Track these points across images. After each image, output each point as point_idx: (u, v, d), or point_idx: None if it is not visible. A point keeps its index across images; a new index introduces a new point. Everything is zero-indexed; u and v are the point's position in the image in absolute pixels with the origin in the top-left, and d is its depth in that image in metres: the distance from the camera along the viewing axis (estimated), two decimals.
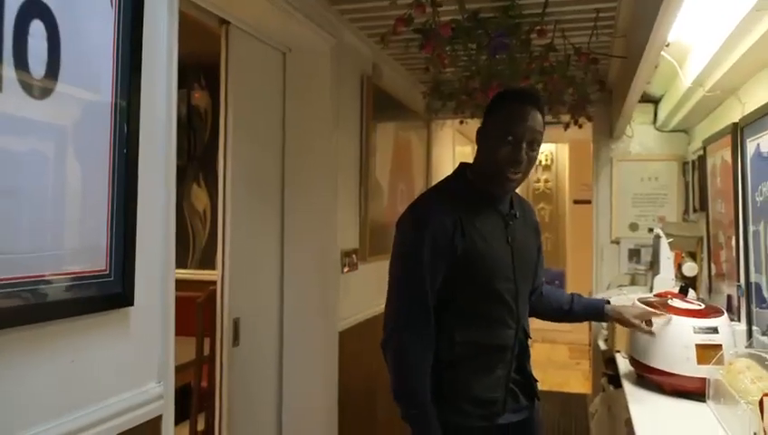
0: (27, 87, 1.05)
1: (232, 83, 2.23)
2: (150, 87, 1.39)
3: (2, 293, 1.01)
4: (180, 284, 3.13)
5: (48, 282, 1.10)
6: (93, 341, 1.23)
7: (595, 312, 1.98)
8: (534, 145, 1.60)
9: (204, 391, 2.61)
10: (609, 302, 2.00)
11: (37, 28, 1.07)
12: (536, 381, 1.78)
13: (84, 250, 1.19)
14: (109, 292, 1.25)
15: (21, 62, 1.04)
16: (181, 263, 3.83)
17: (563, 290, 2.07)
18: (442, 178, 1.80)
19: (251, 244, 2.34)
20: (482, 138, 1.65)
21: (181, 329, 2.84)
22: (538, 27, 2.40)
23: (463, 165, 1.73)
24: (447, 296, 1.60)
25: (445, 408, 1.60)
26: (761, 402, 1.49)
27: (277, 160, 2.56)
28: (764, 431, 1.46)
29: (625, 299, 2.84)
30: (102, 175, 1.23)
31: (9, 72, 1.01)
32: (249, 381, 2.30)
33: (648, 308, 2.02)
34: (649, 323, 1.98)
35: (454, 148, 4.99)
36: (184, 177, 3.89)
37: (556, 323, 2.17)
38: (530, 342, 1.79)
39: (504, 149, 1.56)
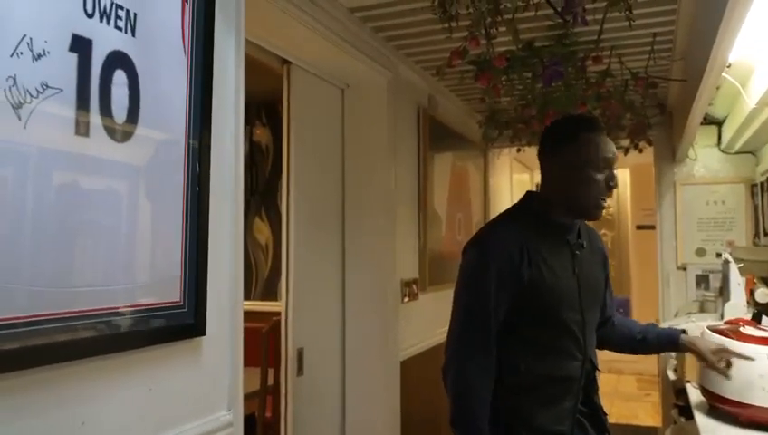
0: (111, 132, 1.14)
1: (293, 119, 2.33)
2: (220, 127, 1.47)
3: (80, 324, 1.08)
4: (244, 315, 3.25)
5: (121, 314, 1.16)
6: (169, 370, 1.30)
7: (668, 341, 1.91)
8: (614, 170, 1.62)
9: (268, 421, 2.66)
10: (685, 332, 1.92)
11: (119, 77, 1.16)
12: (605, 414, 1.74)
13: (158, 283, 1.26)
14: (183, 322, 1.31)
15: (105, 109, 1.12)
16: (245, 295, 3.93)
17: (635, 320, 2.01)
18: (500, 206, 1.81)
19: (313, 275, 2.39)
20: (561, 169, 1.61)
21: (246, 359, 2.94)
22: (593, 54, 2.40)
23: (529, 193, 1.73)
24: (513, 324, 1.58)
25: None
26: None
27: (337, 193, 2.63)
28: None
29: (694, 327, 2.75)
30: (177, 211, 1.31)
31: (95, 118, 1.10)
32: (313, 410, 2.34)
33: (727, 346, 1.91)
34: (728, 362, 1.88)
35: (511, 176, 4.97)
36: (246, 211, 3.99)
37: (623, 354, 2.11)
38: (598, 373, 1.74)
39: (599, 177, 1.56)
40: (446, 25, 1.89)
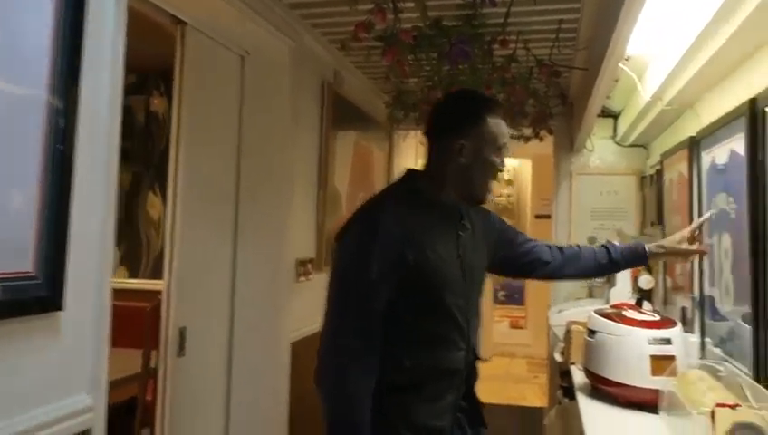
0: None
1: (186, 86, 2.16)
2: (91, 82, 1.32)
3: None
4: (132, 293, 3.04)
5: None
6: (16, 347, 1.15)
7: (635, 256, 1.84)
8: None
9: (149, 405, 2.51)
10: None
11: None
12: (482, 405, 1.65)
13: (3, 251, 1.11)
14: (35, 295, 1.17)
15: None
16: (133, 272, 3.74)
17: (586, 246, 1.89)
18: None
19: (201, 251, 2.25)
20: (459, 149, 1.49)
21: (132, 341, 2.75)
22: (500, 37, 2.40)
23: (411, 172, 1.59)
24: (395, 314, 1.45)
25: None
26: (712, 413, 1.47)
27: (232, 166, 2.48)
28: None
29: (582, 311, 2.85)
30: (30, 173, 1.15)
31: None
32: (195, 392, 2.21)
33: (683, 231, 1.86)
34: (695, 239, 1.83)
35: (416, 159, 4.97)
36: (140, 185, 3.81)
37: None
38: (478, 363, 1.65)
39: (497, 161, 1.51)
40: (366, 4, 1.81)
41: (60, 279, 1.22)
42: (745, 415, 1.46)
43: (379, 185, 3.84)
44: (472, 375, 1.61)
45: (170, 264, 2.07)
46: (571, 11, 2.36)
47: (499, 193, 7.63)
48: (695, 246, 1.81)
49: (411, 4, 2.18)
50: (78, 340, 1.31)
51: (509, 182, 7.71)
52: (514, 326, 7.40)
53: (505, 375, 6.28)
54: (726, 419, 1.46)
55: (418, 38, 2.33)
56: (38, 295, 1.18)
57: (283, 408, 2.43)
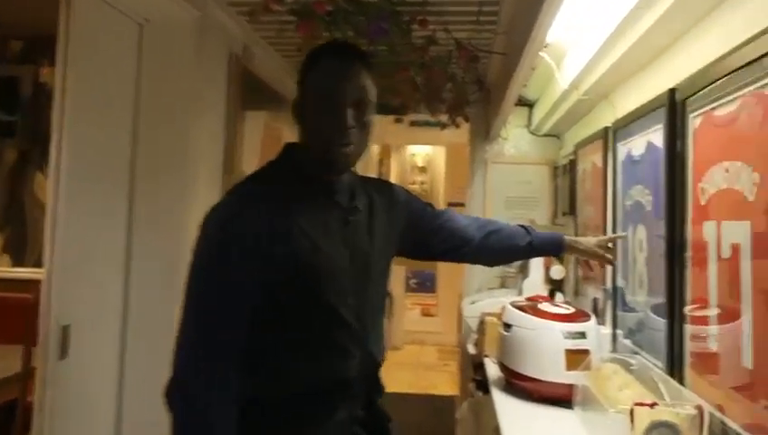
0: None
1: (73, 54, 1.90)
2: None
3: None
4: (17, 283, 2.70)
5: None
6: None
7: (553, 245, 1.78)
8: (364, 108, 1.24)
9: (30, 407, 2.26)
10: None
11: None
12: (390, 420, 1.42)
13: None
14: None
15: None
16: (19, 260, 3.42)
17: (507, 225, 1.77)
18: None
19: (89, 239, 2.03)
20: (299, 109, 1.28)
21: (13, 336, 2.47)
22: (420, 17, 2.29)
23: (289, 145, 1.35)
24: (266, 318, 1.23)
25: None
26: (631, 412, 1.44)
27: (127, 146, 2.26)
28: None
29: (496, 302, 2.82)
30: None
31: None
32: (82, 396, 2.00)
33: (602, 237, 1.89)
34: (609, 250, 1.83)
35: None
36: (27, 164, 3.48)
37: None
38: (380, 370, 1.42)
39: (326, 116, 1.22)
40: None
41: None
42: (663, 414, 1.43)
43: None
44: (373, 386, 1.39)
45: (51, 251, 1.84)
46: None
47: (413, 181, 7.61)
48: (608, 255, 1.81)
49: None
50: None
51: (423, 170, 7.70)
52: (426, 314, 7.44)
53: (416, 363, 6.29)
54: (644, 418, 1.43)
55: (334, 13, 2.19)
56: None
57: None
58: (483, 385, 2.50)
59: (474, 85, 3.28)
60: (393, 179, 6.67)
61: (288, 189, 1.26)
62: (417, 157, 7.61)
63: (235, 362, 1.18)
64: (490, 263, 1.87)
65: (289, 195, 1.25)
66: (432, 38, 2.45)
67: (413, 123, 4.44)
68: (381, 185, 1.52)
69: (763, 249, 1.20)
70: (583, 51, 2.28)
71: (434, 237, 1.60)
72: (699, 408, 1.42)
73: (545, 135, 3.82)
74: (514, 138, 3.91)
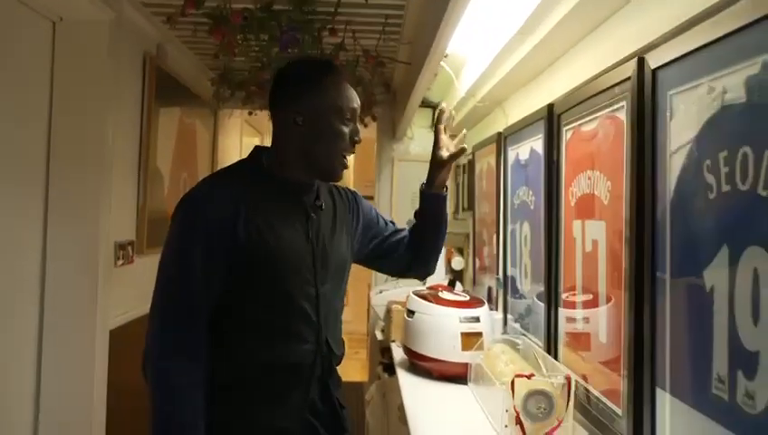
0: None
1: None
2: None
3: None
4: None
5: None
6: None
7: (424, 202, 1.71)
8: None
9: None
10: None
11: None
12: (344, 408, 1.51)
13: None
14: None
15: None
16: None
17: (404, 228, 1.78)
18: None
19: (4, 235, 2.06)
20: (301, 119, 1.37)
21: None
22: (330, 26, 2.45)
23: (258, 148, 1.48)
24: (229, 303, 1.34)
25: None
26: (512, 383, 1.68)
27: (41, 142, 2.29)
28: (514, 408, 1.65)
29: (401, 292, 3.04)
30: None
31: None
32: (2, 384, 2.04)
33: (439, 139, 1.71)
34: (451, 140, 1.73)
35: (242, 138, 4.89)
36: None
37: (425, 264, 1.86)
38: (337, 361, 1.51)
39: (343, 129, 1.38)
40: None
41: None
42: (538, 383, 1.68)
43: (203, 164, 3.73)
44: (329, 375, 1.47)
45: None
46: (396, 7, 2.48)
47: None
48: (456, 149, 1.68)
49: None
50: None
51: None
52: None
53: None
54: (523, 387, 1.67)
55: (249, 19, 2.31)
56: None
57: (102, 397, 2.31)
58: (389, 368, 2.71)
59: (381, 87, 3.47)
60: None
61: (256, 185, 1.38)
62: None
63: (203, 336, 1.30)
64: (421, 251, 1.74)
65: (257, 189, 1.37)
66: (341, 45, 2.61)
67: None
68: (346, 191, 1.62)
69: (614, 245, 1.45)
70: (478, 63, 2.51)
71: (385, 250, 1.69)
72: (567, 378, 1.67)
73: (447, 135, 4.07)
74: (419, 137, 4.15)
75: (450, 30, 1.93)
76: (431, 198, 1.70)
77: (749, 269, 0.93)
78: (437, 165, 1.69)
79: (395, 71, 3.39)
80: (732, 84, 0.97)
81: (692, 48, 1.08)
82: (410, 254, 1.71)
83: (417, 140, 4.16)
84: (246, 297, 1.35)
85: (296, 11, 2.31)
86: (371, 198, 4.61)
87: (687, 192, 1.11)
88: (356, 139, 1.42)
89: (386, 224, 1.72)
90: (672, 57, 1.15)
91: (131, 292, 2.59)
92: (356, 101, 1.42)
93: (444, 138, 1.70)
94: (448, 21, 1.83)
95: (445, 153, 1.67)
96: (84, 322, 2.28)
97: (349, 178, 7.77)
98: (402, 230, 1.74)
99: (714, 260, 1.02)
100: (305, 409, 1.41)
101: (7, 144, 2.09)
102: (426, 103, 3.94)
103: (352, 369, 5.84)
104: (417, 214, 1.73)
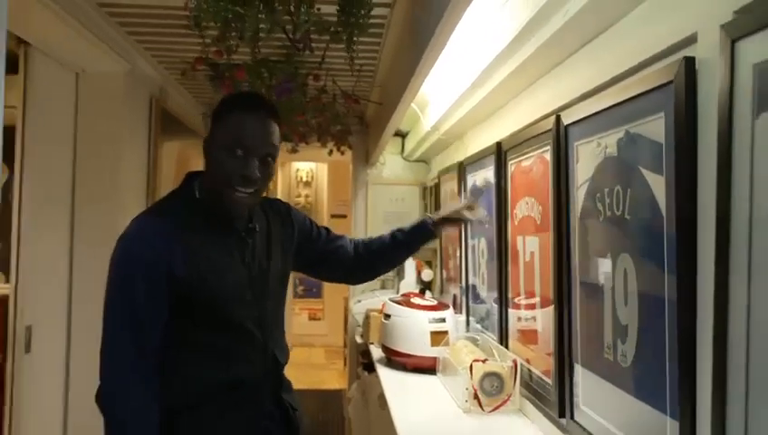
0: None
1: (30, 102, 2.33)
2: None
3: None
4: None
5: None
6: None
7: (421, 231, 1.89)
8: (269, 160, 1.42)
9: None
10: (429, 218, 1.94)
11: None
12: (296, 410, 1.59)
13: None
14: None
15: None
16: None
17: (380, 236, 1.94)
18: None
19: (42, 254, 2.42)
20: (208, 148, 1.43)
21: None
22: (315, 72, 2.87)
23: (191, 175, 1.52)
24: (175, 330, 1.39)
25: None
26: (471, 367, 2.10)
27: (68, 173, 2.66)
28: (473, 386, 2.07)
29: (378, 301, 3.45)
30: None
31: None
32: (38, 386, 2.38)
33: (458, 203, 2.01)
34: (470, 209, 1.95)
35: None
36: None
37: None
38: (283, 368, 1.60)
39: (234, 163, 1.37)
40: (200, 39, 2.14)
41: None
42: (491, 367, 2.11)
43: None
44: (279, 383, 1.56)
45: (16, 266, 2.24)
46: (371, 57, 2.91)
47: (298, 194, 8.14)
48: (475, 213, 1.95)
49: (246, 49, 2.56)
50: None
51: (307, 184, 8.24)
52: (313, 318, 7.97)
53: (306, 363, 6.81)
54: (479, 370, 2.09)
55: (248, 72, 2.71)
56: None
57: None
58: (368, 366, 3.12)
59: (355, 119, 3.90)
60: (279, 194, 7.17)
61: (187, 218, 1.41)
62: (301, 172, 8.15)
63: (152, 365, 1.36)
64: (369, 268, 1.90)
65: (188, 222, 1.41)
66: (323, 88, 3.04)
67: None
68: (279, 206, 1.67)
69: (545, 256, 1.89)
70: (442, 102, 2.95)
71: (323, 256, 1.77)
72: (514, 362, 2.11)
73: (416, 160, 4.53)
74: (390, 162, 4.59)
75: (425, 74, 2.33)
76: (427, 233, 1.89)
77: (622, 269, 1.37)
78: (456, 219, 1.94)
79: (368, 106, 3.83)
80: (610, 142, 1.42)
81: (587, 114, 1.53)
82: (357, 259, 1.81)
83: (389, 166, 4.60)
84: (190, 324, 1.40)
85: (287, 63, 2.72)
86: (344, 216, 5.02)
87: (587, 216, 1.55)
88: (244, 173, 1.37)
89: (319, 232, 1.77)
90: (577, 118, 1.60)
91: None
92: (257, 139, 1.39)
93: (476, 207, 1.99)
94: (423, 67, 2.20)
95: (471, 216, 1.94)
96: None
97: (322, 200, 8.19)
98: (341, 238, 1.82)
99: (603, 265, 1.46)
100: (261, 417, 1.49)
101: (39, 174, 2.45)
102: (396, 133, 4.38)
103: (331, 378, 6.21)
104: (400, 232, 1.89)
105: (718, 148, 1.00)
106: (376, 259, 1.86)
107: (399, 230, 1.90)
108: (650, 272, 1.24)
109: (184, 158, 3.74)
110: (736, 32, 0.97)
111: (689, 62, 1.10)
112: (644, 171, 1.26)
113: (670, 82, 1.14)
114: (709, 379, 1.03)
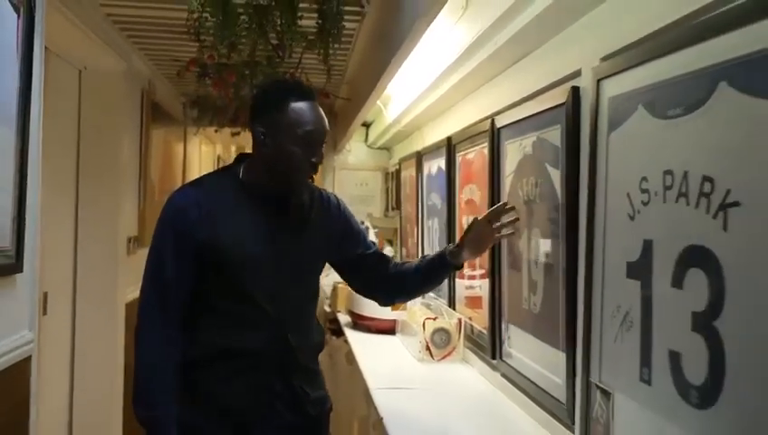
0: None
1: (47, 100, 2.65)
2: (35, 111, 1.88)
3: None
4: None
5: None
6: None
7: (440, 262, 1.73)
8: (324, 143, 1.56)
9: None
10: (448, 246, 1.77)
11: None
12: (308, 394, 1.61)
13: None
14: (9, 262, 1.73)
15: None
16: None
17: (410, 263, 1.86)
18: (194, 173, 2.05)
19: (53, 230, 2.77)
20: (265, 136, 1.50)
21: None
22: (291, 72, 3.25)
23: (241, 156, 1.65)
24: (199, 291, 1.52)
25: (191, 411, 1.53)
26: (423, 323, 2.55)
27: (72, 160, 3.01)
28: (425, 340, 2.51)
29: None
30: (8, 180, 1.72)
31: None
32: (52, 346, 2.75)
33: (479, 217, 1.74)
34: (496, 221, 1.72)
35: (200, 148, 5.61)
36: None
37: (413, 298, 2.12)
38: (301, 354, 1.59)
39: (306, 151, 1.48)
40: (194, 43, 2.50)
41: (21, 251, 1.79)
42: (440, 323, 2.55)
43: (176, 173, 4.46)
44: (292, 365, 1.58)
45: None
46: (342, 58, 3.31)
47: None
48: (502, 232, 1.72)
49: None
50: (25, 291, 1.88)
51: None
52: None
53: None
54: (430, 326, 2.54)
55: (237, 73, 3.08)
56: (10, 263, 1.75)
57: (119, 354, 3.05)
58: (336, 332, 3.54)
59: (325, 111, 4.28)
60: None
61: (226, 192, 1.55)
62: None
63: (173, 318, 1.51)
64: (395, 290, 1.81)
65: (226, 196, 1.54)
66: None
67: None
68: (331, 199, 1.73)
69: None
70: (403, 99, 3.36)
71: (358, 262, 1.75)
72: (459, 319, 2.56)
73: (379, 148, 4.94)
74: (356, 150, 4.99)
75: (392, 75, 2.71)
76: (445, 264, 1.72)
77: (535, 240, 1.82)
78: (476, 239, 1.72)
79: (336, 100, 4.22)
80: (527, 143, 1.86)
81: (513, 120, 1.97)
82: (389, 283, 1.76)
83: (354, 153, 5.00)
84: (212, 289, 1.54)
85: (269, 66, 3.10)
86: None
87: (513, 200, 2.00)
88: (313, 160, 1.50)
89: (364, 239, 1.78)
90: (506, 123, 2.04)
91: (137, 274, 3.34)
92: (317, 125, 1.49)
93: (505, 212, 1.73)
94: (392, 69, 2.58)
95: (496, 233, 1.72)
96: (106, 297, 3.01)
97: None
98: (386, 258, 1.79)
99: (523, 238, 1.91)
100: (262, 390, 1.55)
101: (47, 163, 2.78)
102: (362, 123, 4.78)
103: None
104: (423, 259, 1.80)
105: (589, 152, 1.45)
106: (399, 281, 1.76)
107: (424, 257, 1.83)
108: (551, 242, 1.69)
109: (167, 143, 4.09)
110: (600, 73, 1.41)
111: (575, 90, 1.54)
112: (548, 167, 1.71)
113: (563, 103, 1.58)
114: (582, 322, 1.48)
